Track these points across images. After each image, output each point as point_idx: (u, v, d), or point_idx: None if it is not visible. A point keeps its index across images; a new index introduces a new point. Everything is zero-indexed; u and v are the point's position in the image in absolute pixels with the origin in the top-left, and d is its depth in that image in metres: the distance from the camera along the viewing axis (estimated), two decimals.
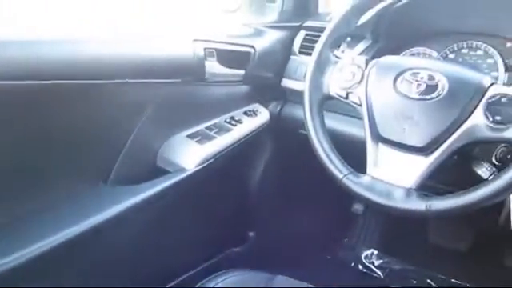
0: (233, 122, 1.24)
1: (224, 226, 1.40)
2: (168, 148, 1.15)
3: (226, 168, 1.22)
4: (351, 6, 0.94)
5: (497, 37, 1.07)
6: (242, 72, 1.25)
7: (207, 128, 1.21)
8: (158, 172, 1.12)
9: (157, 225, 1.12)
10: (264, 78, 1.32)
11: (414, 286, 1.57)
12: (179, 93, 1.14)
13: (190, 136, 1.17)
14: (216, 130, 1.21)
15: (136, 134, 1.07)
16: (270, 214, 1.51)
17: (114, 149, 1.06)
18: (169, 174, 1.11)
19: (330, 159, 0.90)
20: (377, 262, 1.67)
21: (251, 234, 1.50)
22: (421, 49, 1.16)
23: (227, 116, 1.26)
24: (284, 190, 1.50)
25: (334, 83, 0.94)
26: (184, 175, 1.11)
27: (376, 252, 1.69)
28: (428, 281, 1.57)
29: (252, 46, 1.26)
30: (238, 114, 1.29)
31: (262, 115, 1.32)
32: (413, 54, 1.17)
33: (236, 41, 1.25)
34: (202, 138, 1.17)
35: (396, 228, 1.67)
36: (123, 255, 1.08)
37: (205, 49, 1.14)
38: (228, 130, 1.22)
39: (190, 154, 1.13)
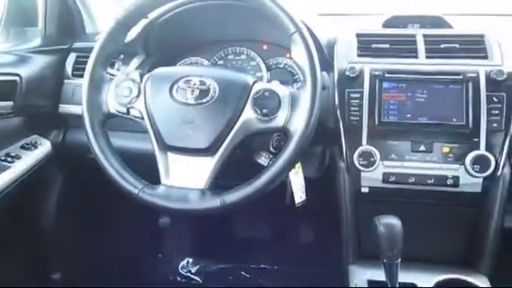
0: (9, 159, 1.13)
1: (24, 273, 1.28)
2: None
3: (11, 210, 1.12)
4: (114, 23, 0.93)
5: (256, 41, 1.20)
6: (11, 103, 1.14)
7: None
8: None
9: None
10: (38, 106, 1.23)
11: (230, 282, 1.65)
12: None
13: None
14: None
15: None
16: (74, 249, 1.41)
17: None
18: None
19: (123, 177, 0.89)
20: (193, 269, 1.71)
21: (56, 276, 1.39)
22: (193, 58, 1.25)
23: (1, 153, 1.14)
24: (85, 220, 1.42)
25: (113, 101, 0.92)
26: None
27: (191, 260, 1.73)
28: (242, 273, 1.67)
29: (17, 75, 1.15)
30: (14, 149, 1.18)
31: (43, 146, 1.24)
32: (187, 64, 1.23)
33: None
34: None
35: (204, 231, 1.73)
36: None
37: None
38: (5, 169, 1.10)
39: None
